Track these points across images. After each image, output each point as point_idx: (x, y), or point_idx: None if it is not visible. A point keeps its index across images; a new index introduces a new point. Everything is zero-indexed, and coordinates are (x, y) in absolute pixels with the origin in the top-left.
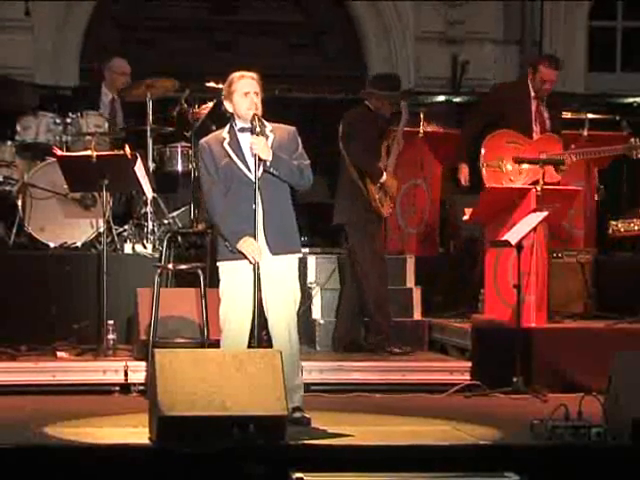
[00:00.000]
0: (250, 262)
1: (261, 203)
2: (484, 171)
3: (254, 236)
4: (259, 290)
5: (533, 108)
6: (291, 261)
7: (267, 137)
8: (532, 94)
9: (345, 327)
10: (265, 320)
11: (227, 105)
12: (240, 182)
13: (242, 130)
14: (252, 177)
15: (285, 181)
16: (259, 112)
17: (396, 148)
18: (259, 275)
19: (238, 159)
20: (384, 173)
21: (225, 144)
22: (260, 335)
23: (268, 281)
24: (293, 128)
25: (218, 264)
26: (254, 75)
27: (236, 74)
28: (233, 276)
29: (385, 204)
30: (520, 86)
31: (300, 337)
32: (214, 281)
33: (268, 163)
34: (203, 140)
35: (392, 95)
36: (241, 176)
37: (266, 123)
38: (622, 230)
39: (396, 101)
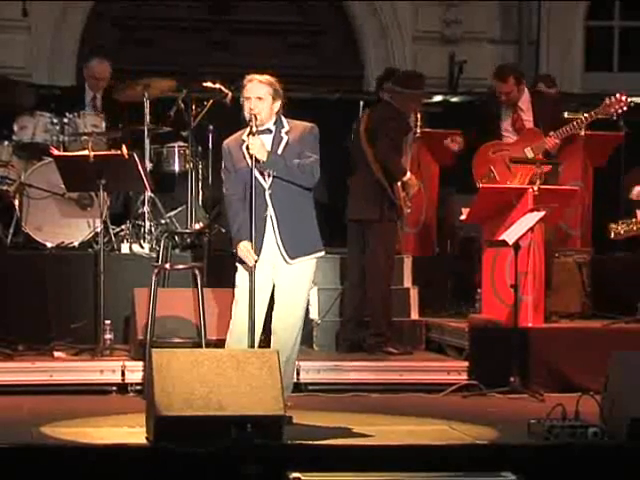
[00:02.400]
0: (247, 266)
1: (272, 210)
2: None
3: (252, 241)
4: (272, 294)
5: (510, 115)
6: (309, 263)
7: (281, 139)
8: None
9: (351, 327)
10: (267, 321)
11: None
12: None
13: (258, 133)
14: (264, 184)
15: (288, 181)
16: (262, 115)
17: (411, 147)
18: (253, 280)
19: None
20: (408, 172)
21: (244, 147)
22: (252, 336)
23: (283, 284)
24: (311, 125)
25: (237, 264)
26: (263, 78)
27: (248, 77)
28: (246, 277)
29: (406, 202)
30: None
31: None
32: (211, 281)
33: (262, 163)
34: (225, 141)
35: (418, 94)
36: (254, 181)
37: (284, 123)
38: (622, 232)
39: (421, 100)
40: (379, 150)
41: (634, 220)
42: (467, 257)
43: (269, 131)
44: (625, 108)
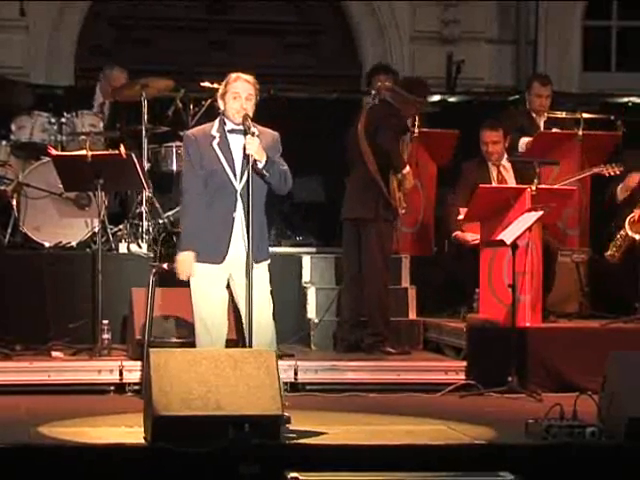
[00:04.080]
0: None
1: (244, 212)
2: None
3: (250, 248)
4: (233, 295)
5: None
6: (266, 267)
7: (259, 139)
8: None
9: (349, 327)
10: (240, 323)
11: (220, 103)
12: (223, 188)
13: (232, 132)
14: (237, 186)
15: (270, 184)
16: (250, 114)
17: (408, 147)
18: (251, 278)
19: (227, 165)
20: (407, 165)
21: (214, 144)
22: (250, 337)
23: (249, 287)
24: (277, 134)
25: (196, 264)
26: (250, 78)
27: (233, 75)
28: (202, 277)
29: (401, 202)
30: None
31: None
32: None
33: (260, 164)
34: (190, 132)
35: (420, 101)
36: (225, 181)
37: (252, 126)
38: (617, 254)
39: (421, 108)
40: (383, 141)
41: (618, 236)
42: (464, 257)
43: (244, 132)
44: (617, 173)
